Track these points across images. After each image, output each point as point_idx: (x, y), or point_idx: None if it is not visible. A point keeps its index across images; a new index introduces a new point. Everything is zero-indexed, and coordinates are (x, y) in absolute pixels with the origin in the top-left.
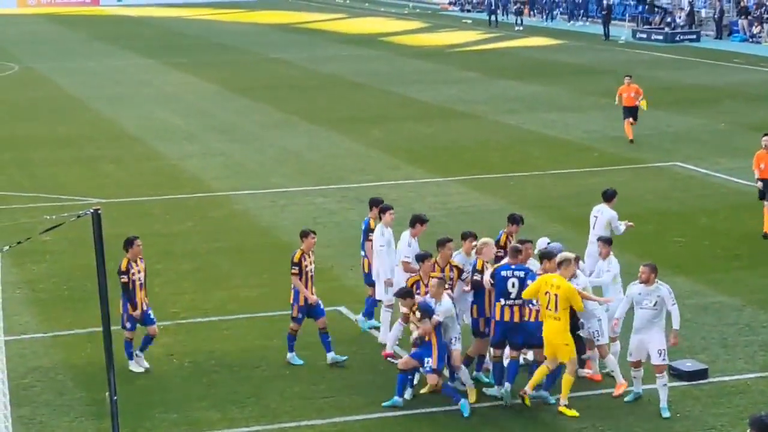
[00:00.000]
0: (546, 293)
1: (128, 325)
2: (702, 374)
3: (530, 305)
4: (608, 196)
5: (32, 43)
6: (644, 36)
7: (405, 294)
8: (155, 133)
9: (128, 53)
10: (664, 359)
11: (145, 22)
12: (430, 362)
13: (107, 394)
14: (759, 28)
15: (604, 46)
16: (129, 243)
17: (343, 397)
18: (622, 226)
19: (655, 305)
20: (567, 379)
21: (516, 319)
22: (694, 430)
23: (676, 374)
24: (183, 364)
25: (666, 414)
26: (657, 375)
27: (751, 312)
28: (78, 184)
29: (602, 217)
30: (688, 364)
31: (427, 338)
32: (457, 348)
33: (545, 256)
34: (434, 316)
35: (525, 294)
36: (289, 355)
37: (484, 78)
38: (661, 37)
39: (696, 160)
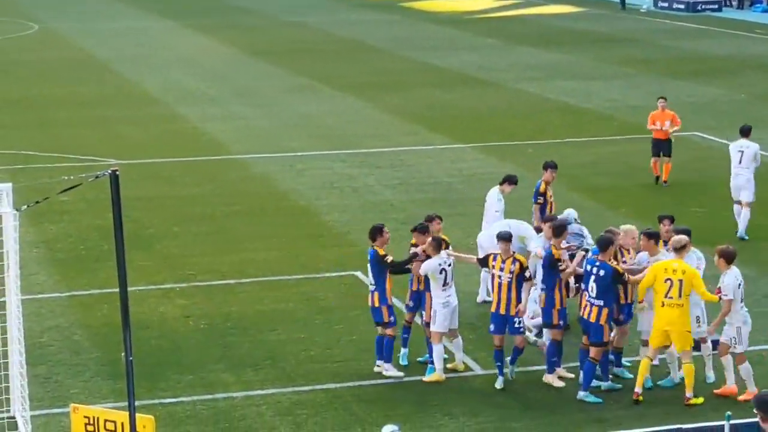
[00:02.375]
0: (667, 280)
1: (392, 319)
2: (715, 345)
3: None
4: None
5: (51, 3)
6: (666, 5)
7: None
8: (175, 96)
9: (149, 14)
10: None
11: None
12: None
13: (123, 354)
14: None
15: (626, 14)
16: (378, 231)
17: (359, 362)
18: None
19: None
20: (690, 369)
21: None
22: (711, 399)
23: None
24: (199, 326)
25: None
26: None
27: (766, 282)
28: (98, 145)
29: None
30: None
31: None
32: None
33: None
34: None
35: (642, 287)
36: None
37: (503, 45)
38: (683, 6)
39: (715, 131)
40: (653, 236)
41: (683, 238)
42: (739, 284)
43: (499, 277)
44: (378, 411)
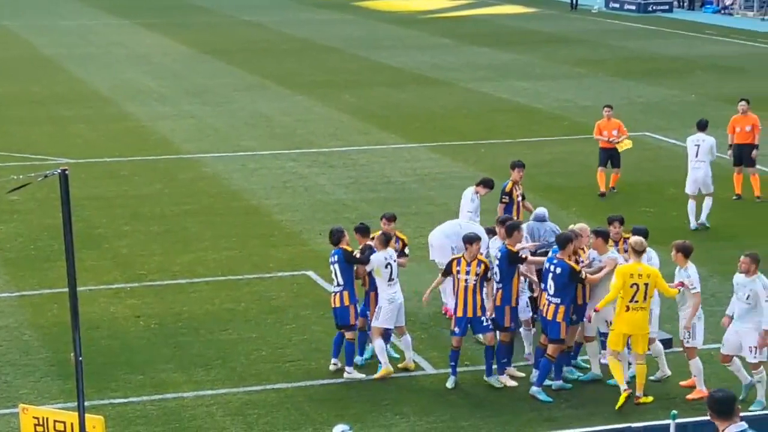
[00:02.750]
0: (633, 285)
1: (357, 322)
2: (667, 344)
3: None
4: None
5: (2, 1)
6: (617, 6)
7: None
8: (126, 94)
9: (101, 13)
10: (755, 356)
11: None
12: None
13: (72, 354)
14: None
15: (578, 15)
16: (341, 233)
17: (310, 362)
18: None
19: (748, 299)
20: (643, 370)
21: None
22: (660, 399)
23: None
24: (150, 326)
25: (759, 406)
26: (753, 371)
27: (717, 282)
28: (48, 143)
29: (705, 144)
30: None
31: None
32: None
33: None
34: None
35: (613, 294)
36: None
37: (456, 45)
38: (633, 7)
39: (666, 131)
40: (602, 234)
41: (643, 241)
42: (699, 278)
43: (465, 280)
44: (329, 411)
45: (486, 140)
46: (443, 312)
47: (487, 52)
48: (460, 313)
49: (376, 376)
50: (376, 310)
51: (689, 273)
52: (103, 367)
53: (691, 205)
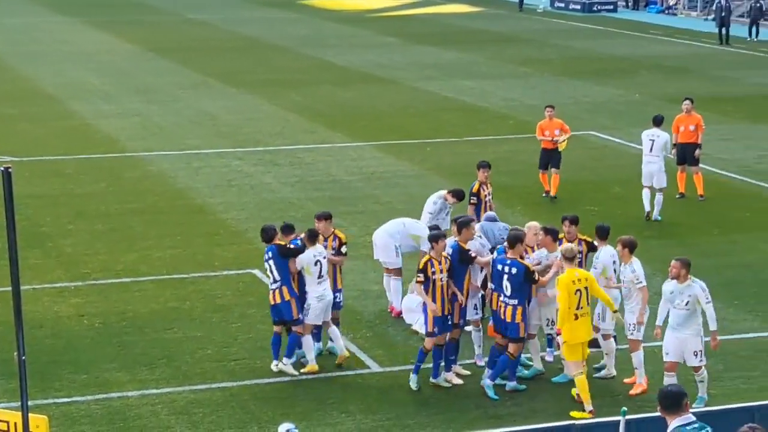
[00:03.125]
0: (576, 292)
1: (300, 316)
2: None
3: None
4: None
5: None
6: (562, 5)
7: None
8: (71, 92)
9: (47, 11)
10: (701, 360)
11: None
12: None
13: (15, 353)
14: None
15: (523, 15)
16: (274, 231)
17: (255, 360)
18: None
19: (687, 305)
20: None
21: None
22: (603, 396)
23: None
24: (94, 324)
25: (701, 403)
26: (695, 374)
27: (661, 280)
28: None
29: (659, 140)
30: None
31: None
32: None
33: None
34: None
35: (563, 305)
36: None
37: (402, 44)
38: (578, 7)
39: (611, 130)
40: (551, 232)
41: (573, 248)
42: (644, 273)
43: (441, 279)
44: (275, 409)
45: (432, 139)
46: (389, 311)
47: (433, 51)
48: (439, 313)
49: (303, 370)
50: (305, 307)
51: (634, 267)
52: (46, 367)
53: (646, 193)
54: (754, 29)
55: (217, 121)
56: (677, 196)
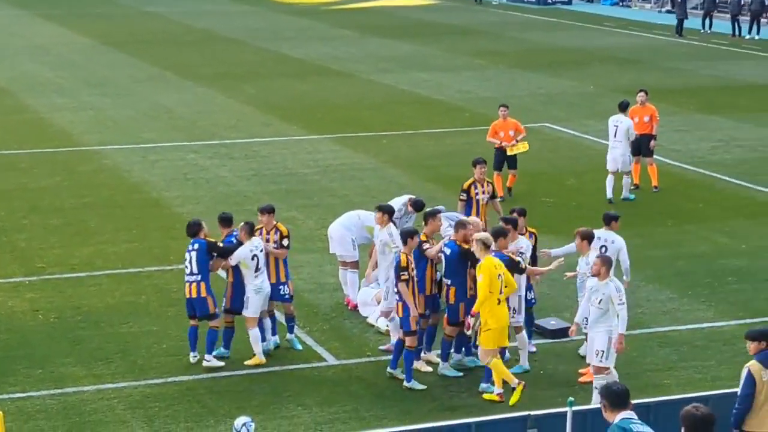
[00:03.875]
0: (499, 276)
1: (217, 310)
2: (565, 332)
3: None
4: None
5: None
6: None
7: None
8: (24, 86)
9: None
10: (600, 360)
11: None
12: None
13: None
14: None
15: (479, 7)
16: (198, 226)
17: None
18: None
19: (600, 303)
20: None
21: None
22: (558, 387)
23: (539, 332)
24: (49, 319)
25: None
26: (596, 374)
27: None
28: None
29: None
30: (552, 323)
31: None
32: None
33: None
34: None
35: (484, 291)
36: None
37: (358, 36)
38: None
39: (565, 122)
40: (511, 222)
41: (489, 236)
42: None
43: (414, 277)
44: (231, 403)
45: (388, 132)
46: (345, 303)
47: (389, 44)
48: (422, 309)
49: (248, 362)
50: (245, 300)
51: (589, 261)
52: (1, 362)
53: (610, 179)
54: (707, 21)
55: (172, 115)
56: (632, 187)
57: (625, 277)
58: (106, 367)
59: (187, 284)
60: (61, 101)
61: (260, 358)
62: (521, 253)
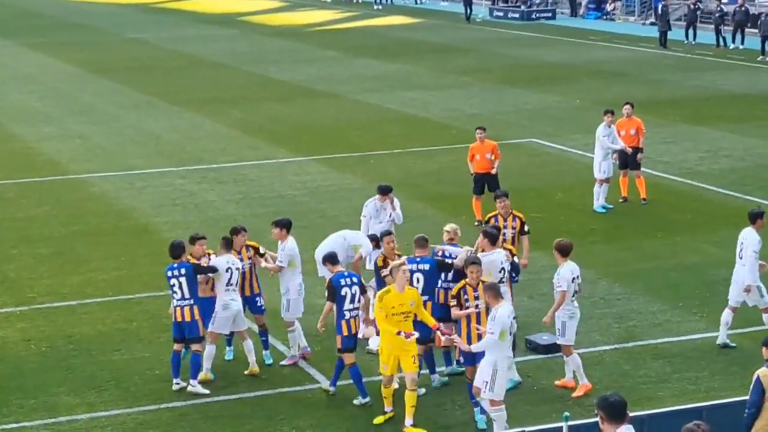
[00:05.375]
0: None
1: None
2: (558, 347)
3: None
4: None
5: None
6: (501, 14)
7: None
8: (10, 115)
9: None
10: (485, 392)
11: None
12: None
13: None
14: (613, 5)
15: (462, 25)
16: (182, 247)
17: None
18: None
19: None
20: (414, 396)
21: None
22: (550, 402)
23: (532, 348)
24: (40, 349)
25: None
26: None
27: (606, 285)
28: None
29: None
30: (544, 338)
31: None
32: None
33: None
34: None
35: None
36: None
37: (343, 57)
38: (517, 15)
39: (552, 137)
40: (488, 235)
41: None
42: (573, 278)
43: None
44: (225, 427)
45: (375, 151)
46: None
47: (374, 64)
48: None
49: (197, 379)
50: (213, 315)
51: (559, 271)
52: None
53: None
54: (691, 32)
55: (159, 141)
56: (620, 200)
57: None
58: (99, 395)
59: (178, 308)
60: (48, 130)
61: (208, 374)
62: (503, 268)
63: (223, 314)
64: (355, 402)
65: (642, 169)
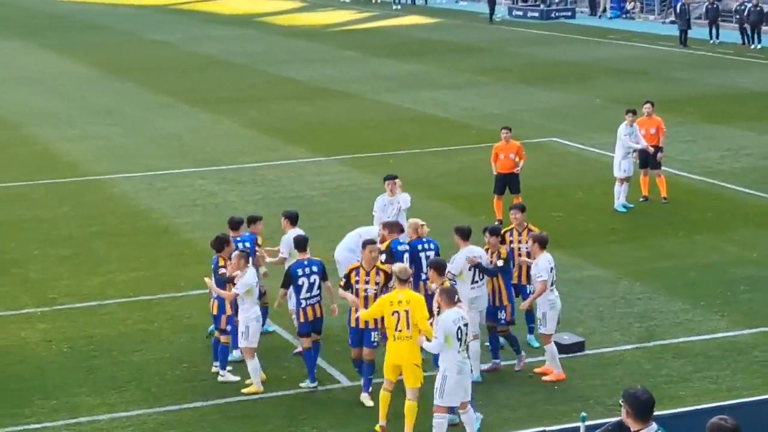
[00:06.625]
0: (394, 313)
1: (229, 327)
2: (579, 347)
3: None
4: None
5: None
6: (520, 13)
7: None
8: (31, 118)
9: (1, 36)
10: (436, 398)
11: (16, 3)
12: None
13: None
14: (633, 4)
15: (481, 24)
16: (226, 242)
17: None
18: None
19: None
20: (413, 407)
21: None
22: (571, 402)
23: None
24: (62, 349)
25: None
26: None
27: (626, 284)
28: None
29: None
30: (565, 338)
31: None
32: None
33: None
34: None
35: (363, 316)
36: None
37: (361, 57)
38: (537, 14)
39: (572, 136)
40: (460, 231)
41: (407, 268)
42: (551, 268)
43: (365, 290)
44: (245, 427)
45: (394, 151)
46: None
47: (391, 64)
48: (353, 323)
49: (244, 390)
50: (246, 329)
51: (538, 263)
52: (15, 393)
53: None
54: (714, 31)
55: (178, 141)
56: (641, 199)
57: None
58: (120, 396)
59: (211, 301)
60: (68, 131)
61: (260, 387)
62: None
63: (256, 326)
64: (302, 385)
65: (662, 167)
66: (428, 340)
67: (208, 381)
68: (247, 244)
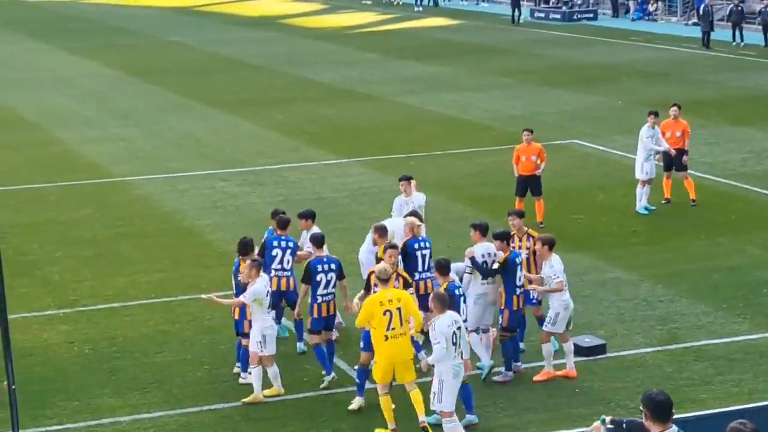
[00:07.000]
0: (386, 313)
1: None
2: (600, 349)
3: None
4: None
5: None
6: (542, 15)
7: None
8: (52, 119)
9: (23, 38)
10: (434, 404)
11: (39, 6)
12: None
13: (5, 383)
14: (655, 5)
15: (503, 26)
16: (251, 246)
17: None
18: None
19: (437, 341)
20: (419, 394)
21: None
22: (593, 404)
23: (574, 350)
24: (84, 351)
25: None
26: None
27: (648, 287)
28: None
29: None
30: (586, 340)
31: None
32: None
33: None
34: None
35: (357, 323)
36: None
37: (383, 59)
38: (559, 16)
39: (594, 138)
40: (479, 227)
41: (388, 268)
42: (563, 269)
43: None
44: (267, 430)
45: (416, 153)
46: None
47: (413, 65)
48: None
49: (266, 392)
50: (261, 339)
51: (552, 264)
52: (37, 395)
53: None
54: (737, 33)
55: (200, 143)
56: (663, 202)
57: None
58: (142, 397)
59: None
60: (90, 133)
61: (279, 389)
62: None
63: (272, 333)
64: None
65: (687, 170)
66: (420, 332)
67: (229, 383)
68: (291, 244)
